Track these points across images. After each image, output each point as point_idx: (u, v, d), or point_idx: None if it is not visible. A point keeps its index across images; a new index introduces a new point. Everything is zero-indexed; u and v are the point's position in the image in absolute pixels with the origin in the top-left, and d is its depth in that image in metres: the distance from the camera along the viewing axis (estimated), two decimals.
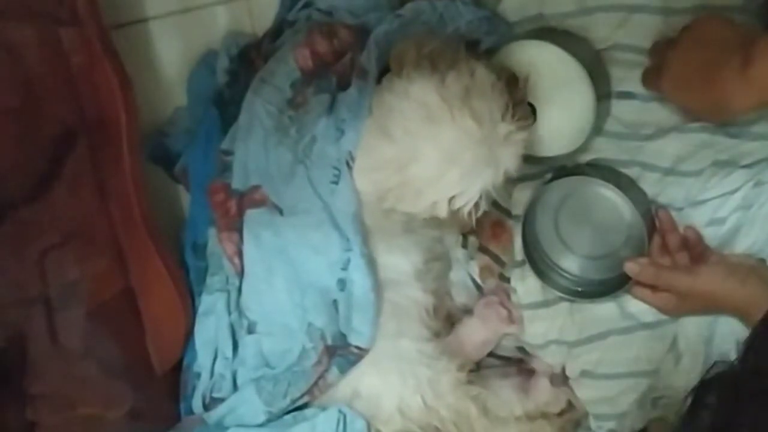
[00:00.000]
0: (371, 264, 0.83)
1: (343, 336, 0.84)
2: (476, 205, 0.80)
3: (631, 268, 0.85)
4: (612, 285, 0.88)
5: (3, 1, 0.80)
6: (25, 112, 0.81)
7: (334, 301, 0.84)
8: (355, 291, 0.83)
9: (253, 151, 0.89)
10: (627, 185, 0.86)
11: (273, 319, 0.87)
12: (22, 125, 0.81)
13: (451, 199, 0.79)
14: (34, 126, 0.82)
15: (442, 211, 0.79)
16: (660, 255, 0.85)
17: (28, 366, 0.82)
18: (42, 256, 0.82)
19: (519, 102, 0.81)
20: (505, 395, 0.91)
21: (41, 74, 0.82)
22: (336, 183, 0.83)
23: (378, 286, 0.84)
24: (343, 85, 0.87)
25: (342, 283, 0.84)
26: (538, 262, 0.90)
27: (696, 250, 0.85)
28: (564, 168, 0.89)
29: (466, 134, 0.77)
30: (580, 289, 0.90)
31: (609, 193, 0.86)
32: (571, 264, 0.91)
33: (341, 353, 0.84)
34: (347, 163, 0.82)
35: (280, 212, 0.87)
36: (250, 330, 0.89)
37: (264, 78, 0.91)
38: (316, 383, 0.85)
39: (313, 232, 0.84)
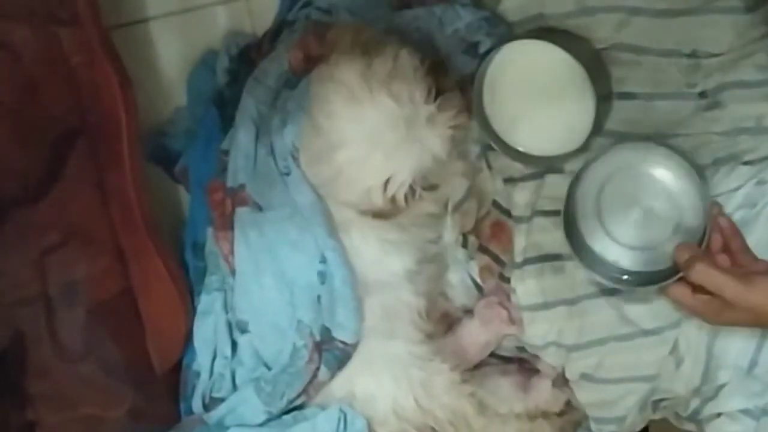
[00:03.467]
0: (344, 256, 0.84)
1: (328, 330, 0.84)
2: (411, 189, 0.80)
3: (681, 253, 0.77)
4: (653, 278, 0.82)
5: (3, 1, 0.80)
6: (25, 112, 0.81)
7: (319, 297, 0.85)
8: (335, 283, 0.84)
9: (243, 149, 0.89)
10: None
11: (263, 319, 0.88)
12: (22, 125, 0.81)
13: (385, 185, 0.79)
14: (34, 126, 0.82)
15: (378, 198, 0.80)
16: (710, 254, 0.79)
17: (28, 366, 0.82)
18: (42, 256, 0.82)
19: (449, 89, 0.82)
20: (505, 393, 0.91)
21: (41, 74, 0.82)
22: (288, 174, 0.84)
23: (355, 277, 0.84)
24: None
25: (322, 276, 0.84)
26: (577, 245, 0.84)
27: (737, 256, 0.79)
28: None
29: (386, 114, 0.78)
30: (626, 277, 0.83)
31: (662, 174, 0.81)
32: (612, 253, 0.84)
33: (326, 347, 0.84)
34: (292, 155, 0.83)
35: (260, 208, 0.87)
36: (242, 329, 0.89)
37: (258, 78, 0.92)
38: (310, 382, 0.85)
39: (289, 225, 0.85)
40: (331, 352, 0.84)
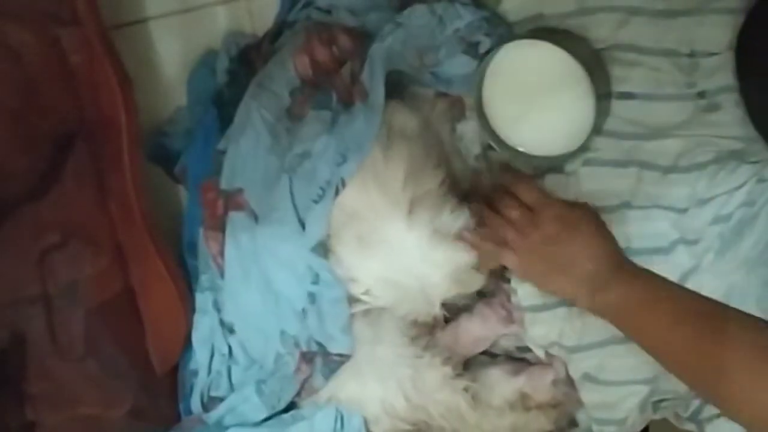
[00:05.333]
0: (337, 275, 0.84)
1: (321, 345, 0.85)
2: None
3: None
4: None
5: (3, 1, 0.80)
6: (25, 112, 0.81)
7: (303, 310, 0.85)
8: (324, 306, 0.84)
9: (244, 154, 0.89)
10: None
11: (249, 322, 0.88)
12: (22, 125, 0.81)
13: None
14: (34, 126, 0.82)
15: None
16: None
17: (28, 366, 0.82)
18: (42, 256, 0.82)
19: None
20: (496, 380, 0.90)
21: (41, 74, 0.82)
22: (317, 202, 0.84)
23: (348, 296, 0.85)
24: (344, 101, 0.87)
25: (312, 297, 0.85)
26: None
27: None
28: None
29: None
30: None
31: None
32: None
33: (324, 361, 0.85)
34: (336, 189, 0.83)
35: (256, 219, 0.87)
36: (230, 330, 0.89)
37: (262, 83, 0.91)
38: (303, 387, 0.86)
39: (283, 244, 0.85)
40: (328, 365, 0.85)
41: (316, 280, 0.84)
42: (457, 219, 0.85)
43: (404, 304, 0.86)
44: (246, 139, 0.89)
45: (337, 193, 0.82)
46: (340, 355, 0.84)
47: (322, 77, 0.90)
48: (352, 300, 0.85)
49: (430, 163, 0.86)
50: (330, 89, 0.88)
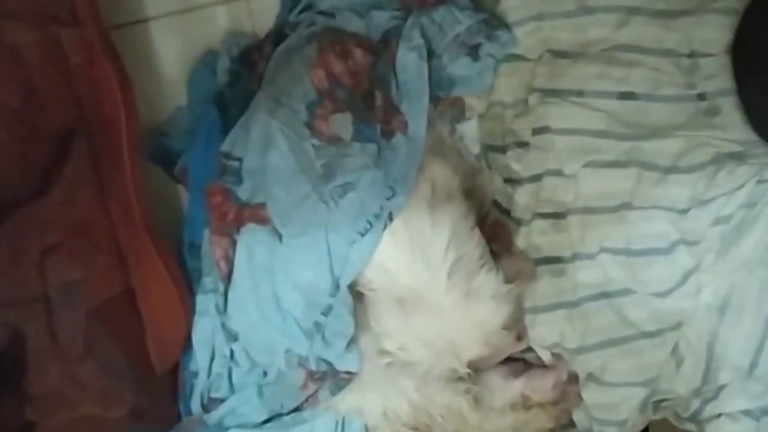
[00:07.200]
0: (352, 307, 0.85)
1: (329, 363, 0.85)
2: None
3: None
4: None
5: (3, 1, 0.80)
6: (25, 112, 0.81)
7: (309, 330, 0.85)
8: (328, 334, 0.84)
9: (267, 170, 0.88)
10: None
11: (254, 332, 0.88)
12: (22, 125, 0.81)
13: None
14: (34, 126, 0.82)
15: None
16: None
17: (28, 366, 0.82)
18: (42, 256, 0.82)
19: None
20: (496, 382, 0.91)
21: (41, 74, 0.82)
22: (363, 235, 0.83)
23: (357, 325, 0.85)
24: (384, 131, 0.88)
25: (318, 326, 0.85)
26: None
27: None
28: None
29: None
30: None
31: None
32: None
33: (333, 380, 0.86)
34: (385, 224, 0.83)
35: (279, 238, 0.86)
36: (234, 338, 0.89)
37: (279, 100, 0.90)
38: (306, 400, 0.87)
39: (304, 270, 0.84)
40: (337, 383, 0.86)
41: (326, 312, 0.84)
42: (491, 279, 0.86)
43: (432, 361, 0.86)
44: (271, 157, 0.88)
45: (384, 227, 0.83)
46: (348, 372, 0.85)
47: (339, 89, 0.90)
48: (382, 352, 0.86)
49: (469, 223, 0.87)
50: (373, 121, 0.89)
